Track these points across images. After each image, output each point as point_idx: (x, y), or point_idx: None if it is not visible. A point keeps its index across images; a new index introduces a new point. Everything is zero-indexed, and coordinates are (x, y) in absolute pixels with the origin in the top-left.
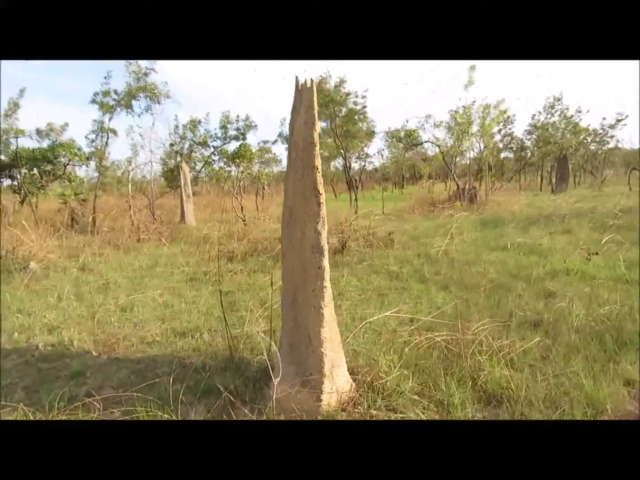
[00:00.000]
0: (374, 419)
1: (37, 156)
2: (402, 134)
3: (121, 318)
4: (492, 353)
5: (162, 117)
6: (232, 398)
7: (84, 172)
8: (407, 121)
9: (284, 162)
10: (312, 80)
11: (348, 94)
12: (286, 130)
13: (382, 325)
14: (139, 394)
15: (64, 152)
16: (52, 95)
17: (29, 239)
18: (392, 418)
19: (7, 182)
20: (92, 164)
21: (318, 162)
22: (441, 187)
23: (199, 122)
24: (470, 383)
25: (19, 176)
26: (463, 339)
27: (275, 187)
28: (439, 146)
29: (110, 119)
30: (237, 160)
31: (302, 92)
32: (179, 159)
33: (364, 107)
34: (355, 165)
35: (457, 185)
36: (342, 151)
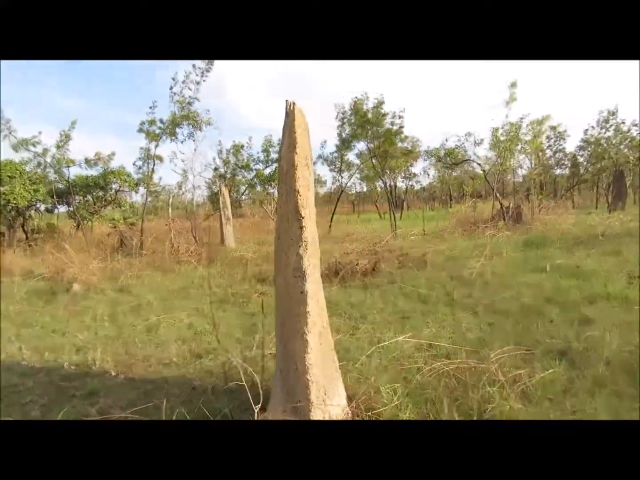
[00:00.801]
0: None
1: (90, 183)
2: (442, 152)
3: (145, 339)
4: (507, 384)
5: (210, 142)
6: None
7: (141, 197)
8: (446, 139)
9: (329, 184)
10: (293, 104)
11: (384, 115)
12: (327, 151)
13: (399, 351)
14: (136, 416)
15: (114, 179)
16: (97, 125)
17: (72, 263)
18: None
19: (64, 208)
20: (142, 189)
21: (299, 185)
22: (489, 206)
23: (242, 146)
24: (475, 416)
25: (73, 202)
26: (478, 368)
27: (319, 207)
28: (479, 164)
29: (156, 147)
30: (273, 183)
31: (288, 116)
32: (223, 181)
33: (401, 127)
34: (403, 185)
35: (501, 204)
36: (380, 171)
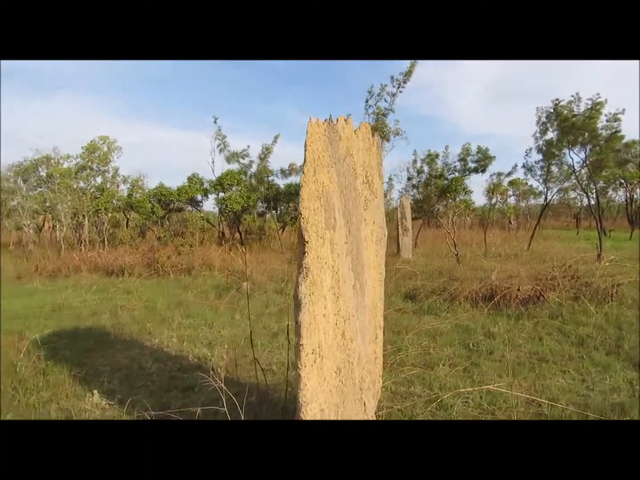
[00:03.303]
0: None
1: (292, 191)
2: None
3: (266, 342)
4: None
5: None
6: None
7: None
8: None
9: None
10: (314, 119)
11: (591, 118)
12: (530, 161)
13: (502, 401)
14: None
15: None
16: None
17: (244, 263)
18: None
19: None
20: None
21: (303, 207)
22: None
23: (437, 155)
24: None
25: (278, 208)
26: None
27: (528, 221)
28: None
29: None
30: (448, 195)
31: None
32: (415, 191)
33: (617, 131)
34: None
35: None
36: (589, 184)
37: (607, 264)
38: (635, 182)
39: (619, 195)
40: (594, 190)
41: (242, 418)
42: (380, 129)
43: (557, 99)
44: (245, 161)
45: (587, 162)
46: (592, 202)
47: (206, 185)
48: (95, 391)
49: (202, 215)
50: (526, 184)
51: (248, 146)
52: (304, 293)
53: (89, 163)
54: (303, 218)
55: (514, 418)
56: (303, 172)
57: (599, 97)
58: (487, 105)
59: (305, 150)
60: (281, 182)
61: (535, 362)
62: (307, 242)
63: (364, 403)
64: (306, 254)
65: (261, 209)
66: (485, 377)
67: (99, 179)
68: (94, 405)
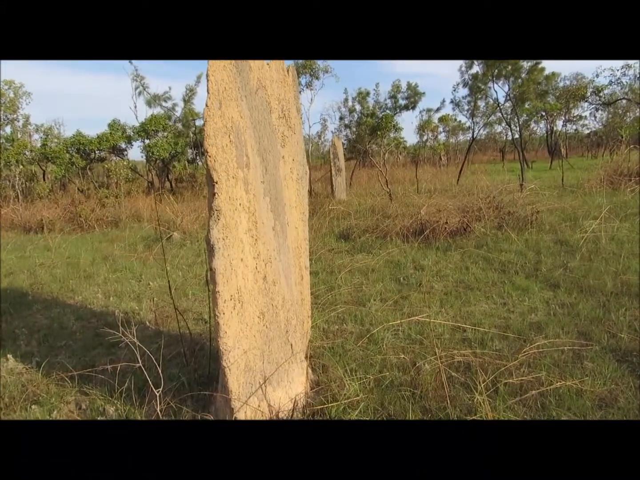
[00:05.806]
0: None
1: None
2: (589, 91)
3: (198, 292)
4: (520, 388)
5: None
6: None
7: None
8: (596, 75)
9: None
10: None
11: None
12: (458, 96)
13: (427, 329)
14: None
15: None
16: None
17: (174, 213)
18: None
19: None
20: None
21: (208, 144)
22: None
23: (368, 93)
24: None
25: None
26: (494, 363)
27: (458, 157)
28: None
29: None
30: (379, 133)
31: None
32: (348, 131)
33: (537, 63)
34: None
35: None
36: (511, 115)
37: (528, 193)
38: (555, 114)
39: (540, 128)
40: (517, 123)
41: (160, 372)
42: (309, 67)
43: None
44: (168, 104)
45: (511, 94)
46: (516, 136)
47: (129, 132)
48: (9, 355)
49: (126, 164)
50: (455, 119)
51: (169, 88)
52: (217, 237)
53: None
54: (210, 157)
55: (439, 345)
56: (206, 106)
57: None
58: None
59: (208, 81)
60: None
61: (461, 291)
62: (216, 183)
63: (291, 345)
64: (216, 195)
65: (191, 155)
66: (415, 308)
67: (7, 129)
68: (9, 371)
